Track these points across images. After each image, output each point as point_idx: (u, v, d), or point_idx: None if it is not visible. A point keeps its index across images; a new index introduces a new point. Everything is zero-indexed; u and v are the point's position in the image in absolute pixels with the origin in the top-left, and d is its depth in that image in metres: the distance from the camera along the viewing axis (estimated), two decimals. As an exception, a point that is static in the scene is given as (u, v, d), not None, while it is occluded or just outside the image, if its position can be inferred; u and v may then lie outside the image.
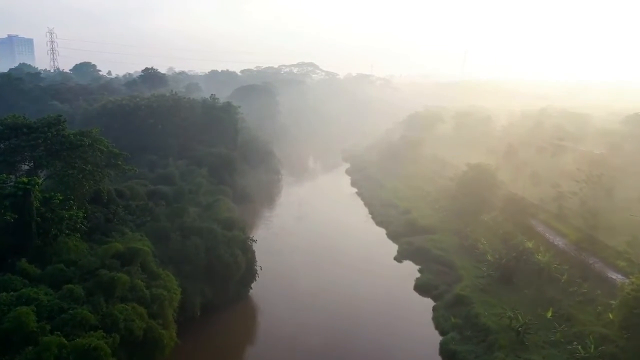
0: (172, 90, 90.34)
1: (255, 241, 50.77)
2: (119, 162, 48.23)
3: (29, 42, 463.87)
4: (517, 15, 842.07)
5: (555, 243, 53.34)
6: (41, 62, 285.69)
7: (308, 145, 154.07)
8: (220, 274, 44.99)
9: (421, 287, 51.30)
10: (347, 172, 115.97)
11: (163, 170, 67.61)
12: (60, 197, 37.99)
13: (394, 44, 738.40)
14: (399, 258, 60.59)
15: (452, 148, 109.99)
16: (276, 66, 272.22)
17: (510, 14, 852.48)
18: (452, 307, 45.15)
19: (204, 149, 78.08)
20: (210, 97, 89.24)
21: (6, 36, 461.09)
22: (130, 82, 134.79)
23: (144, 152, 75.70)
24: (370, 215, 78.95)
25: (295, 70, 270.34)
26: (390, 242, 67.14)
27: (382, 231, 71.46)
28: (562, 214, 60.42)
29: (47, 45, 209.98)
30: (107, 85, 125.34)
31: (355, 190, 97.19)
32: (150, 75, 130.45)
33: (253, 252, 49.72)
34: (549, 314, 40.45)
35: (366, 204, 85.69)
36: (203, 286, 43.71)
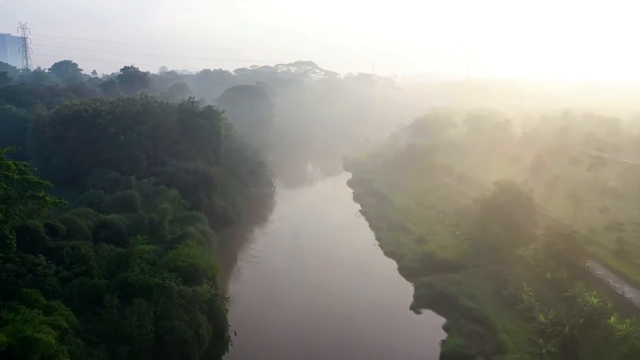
0: (141, 93, 77.23)
1: (227, 299, 37.81)
2: (40, 194, 35.13)
3: (23, 41, 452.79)
4: (518, 13, 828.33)
5: (627, 296, 40.34)
6: (34, 60, 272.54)
7: (306, 152, 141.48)
8: (173, 354, 32.07)
9: (451, 359, 38.34)
10: (349, 183, 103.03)
11: (122, 192, 54.54)
12: None
13: (394, 44, 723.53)
14: (416, 307, 47.58)
15: (467, 157, 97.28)
16: (273, 65, 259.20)
17: (511, 13, 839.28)
18: (499, 399, 32.24)
19: (177, 164, 65.04)
20: (188, 100, 76.16)
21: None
22: (107, 82, 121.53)
23: (105, 168, 62.93)
24: (377, 242, 66.00)
25: (293, 69, 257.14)
26: (402, 280, 54.34)
27: (392, 264, 58.59)
28: (623, 251, 47.56)
29: (20, 42, 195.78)
30: (80, 86, 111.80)
31: (358, 207, 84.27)
32: (129, 75, 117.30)
33: (224, 314, 36.83)
34: None
35: (372, 227, 72.75)
36: (148, 374, 30.84)
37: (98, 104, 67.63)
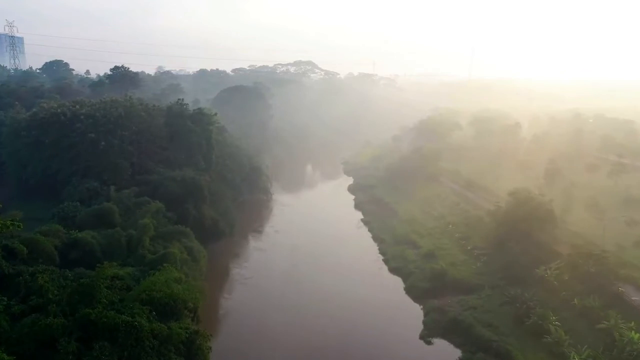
0: (126, 94, 71.82)
1: (210, 336, 32.48)
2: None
3: (19, 41, 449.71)
4: (519, 13, 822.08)
5: (671, 329, 35.05)
6: (32, 60, 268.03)
7: (305, 155, 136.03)
8: (141, 410, 26.85)
9: (470, 404, 33.09)
10: (350, 189, 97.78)
11: (99, 205, 49.23)
12: None
13: (395, 44, 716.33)
14: (426, 335, 42.26)
15: (474, 162, 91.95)
16: (272, 65, 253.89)
17: (512, 13, 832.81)
18: None
19: (163, 172, 59.71)
20: (177, 102, 70.79)
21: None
22: (96, 83, 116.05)
23: (84, 177, 57.70)
24: (381, 257, 60.79)
25: (292, 69, 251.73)
26: (410, 302, 49.05)
27: (397, 282, 53.38)
28: (659, 273, 42.24)
29: (5, 40, 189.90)
30: (67, 86, 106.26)
31: (360, 215, 79.02)
32: (120, 75, 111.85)
33: (206, 355, 31.50)
34: None
35: (375, 238, 67.53)
36: None
37: (77, 106, 62.25)
